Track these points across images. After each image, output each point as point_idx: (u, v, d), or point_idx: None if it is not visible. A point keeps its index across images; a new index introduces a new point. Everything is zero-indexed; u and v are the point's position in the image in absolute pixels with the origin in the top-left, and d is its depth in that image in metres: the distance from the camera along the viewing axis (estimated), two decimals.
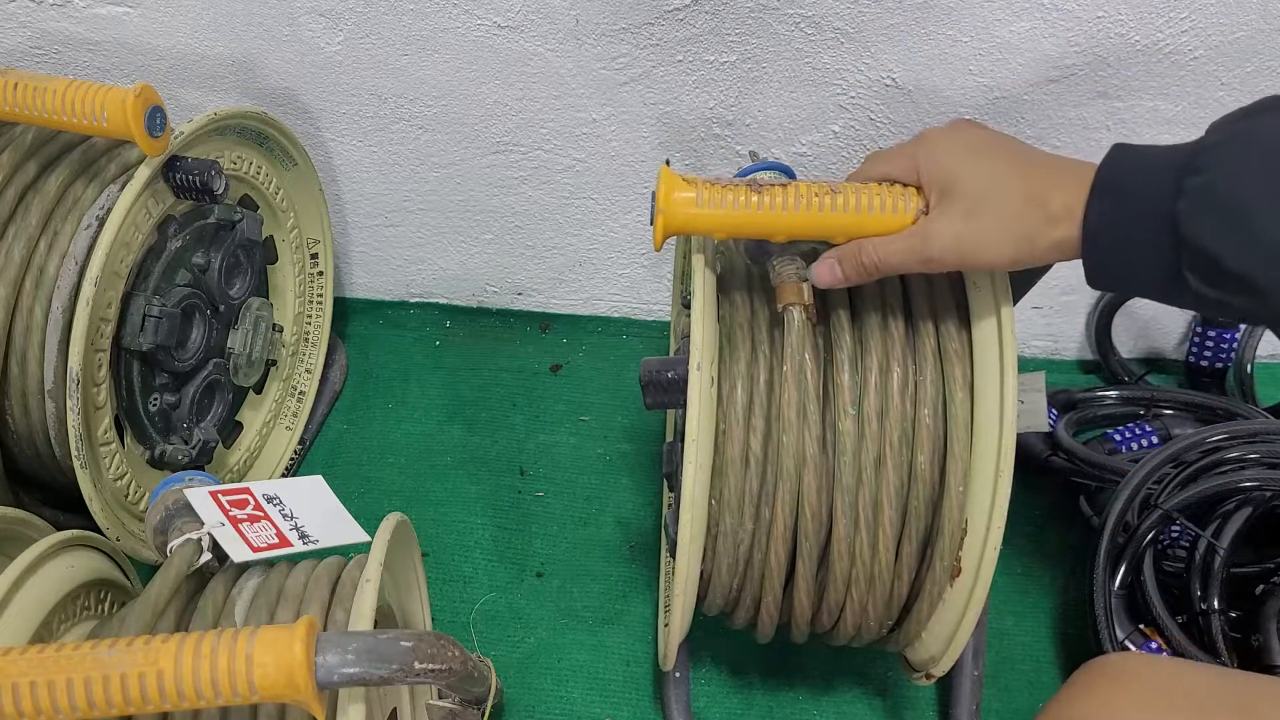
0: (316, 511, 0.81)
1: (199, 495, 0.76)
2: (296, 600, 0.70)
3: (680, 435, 0.93)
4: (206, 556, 0.74)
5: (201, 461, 1.04)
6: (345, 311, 1.35)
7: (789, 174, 0.89)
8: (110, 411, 0.91)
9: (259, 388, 1.17)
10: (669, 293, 1.34)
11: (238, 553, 0.73)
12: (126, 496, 0.95)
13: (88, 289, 0.84)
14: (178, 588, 0.70)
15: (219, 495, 0.77)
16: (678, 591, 0.82)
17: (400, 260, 1.34)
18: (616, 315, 1.37)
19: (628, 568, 1.15)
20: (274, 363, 1.16)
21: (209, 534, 0.74)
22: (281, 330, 1.16)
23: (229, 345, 1.06)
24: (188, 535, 0.74)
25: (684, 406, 0.81)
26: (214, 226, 1.00)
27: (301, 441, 1.21)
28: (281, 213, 1.13)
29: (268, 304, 1.12)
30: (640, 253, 1.29)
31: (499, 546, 1.16)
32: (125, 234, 0.88)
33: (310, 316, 1.22)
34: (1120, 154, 0.66)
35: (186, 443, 1.02)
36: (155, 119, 0.86)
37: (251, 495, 0.79)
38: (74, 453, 0.86)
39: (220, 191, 0.92)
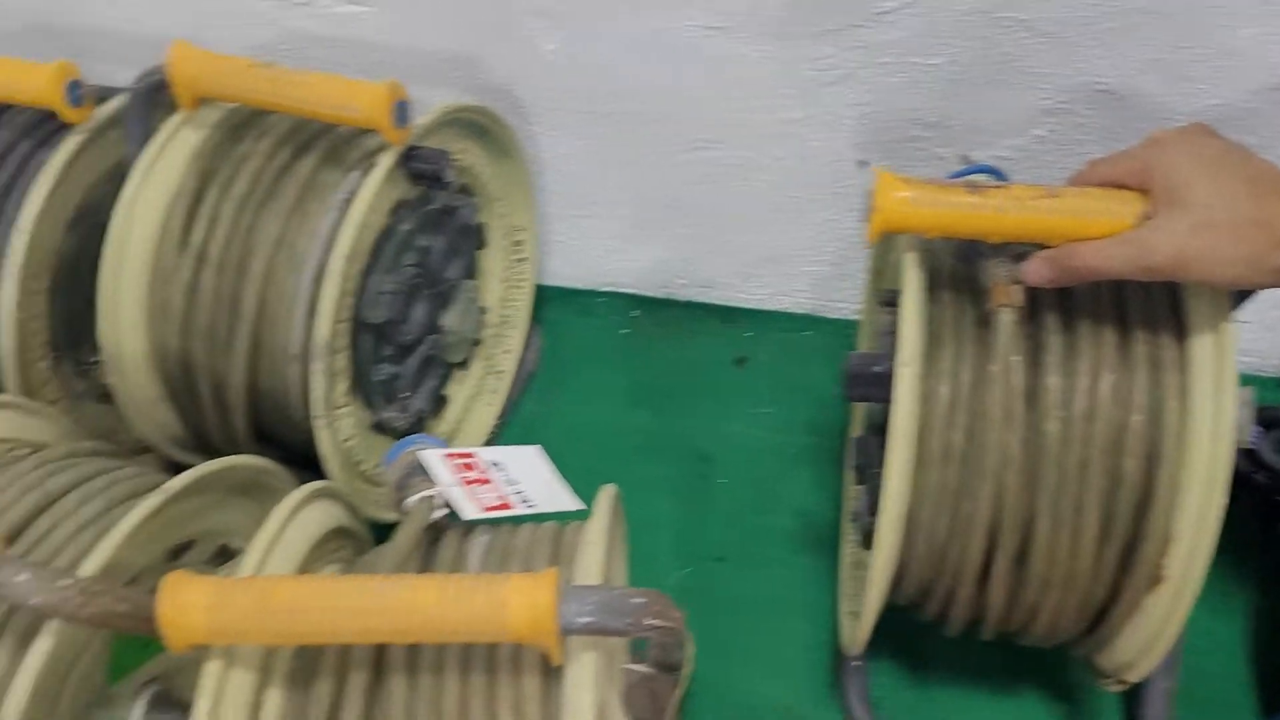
0: (534, 479, 0.86)
1: (433, 458, 0.83)
2: (524, 557, 0.76)
3: (876, 429, 0.95)
4: (440, 513, 0.80)
5: (415, 430, 1.11)
6: (539, 298, 1.42)
7: (1001, 178, 0.91)
8: (347, 378, 0.99)
9: (464, 365, 1.24)
10: (855, 290, 1.35)
11: (467, 511, 0.79)
12: (353, 457, 1.03)
13: (338, 264, 0.92)
14: (418, 539, 0.77)
15: (450, 458, 0.83)
16: (875, 578, 0.85)
17: (595, 251, 1.40)
18: (801, 312, 1.40)
19: (806, 557, 1.17)
20: (479, 342, 1.23)
21: (442, 493, 0.81)
22: (486, 311, 1.23)
23: (442, 323, 1.13)
24: (424, 493, 0.80)
25: (887, 401, 0.83)
26: (437, 212, 1.07)
27: (499, 418, 1.28)
28: (494, 201, 1.20)
29: (477, 286, 1.19)
30: (829, 251, 1.32)
31: (681, 530, 1.20)
32: (368, 216, 0.95)
33: (511, 300, 1.29)
34: None
35: (404, 412, 1.10)
36: (401, 111, 0.93)
37: (478, 459, 0.85)
38: (315, 411, 0.95)
39: (450, 179, 0.99)
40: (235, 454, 0.89)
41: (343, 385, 0.99)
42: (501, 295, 1.27)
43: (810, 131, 1.20)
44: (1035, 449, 0.82)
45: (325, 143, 1.03)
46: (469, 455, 0.85)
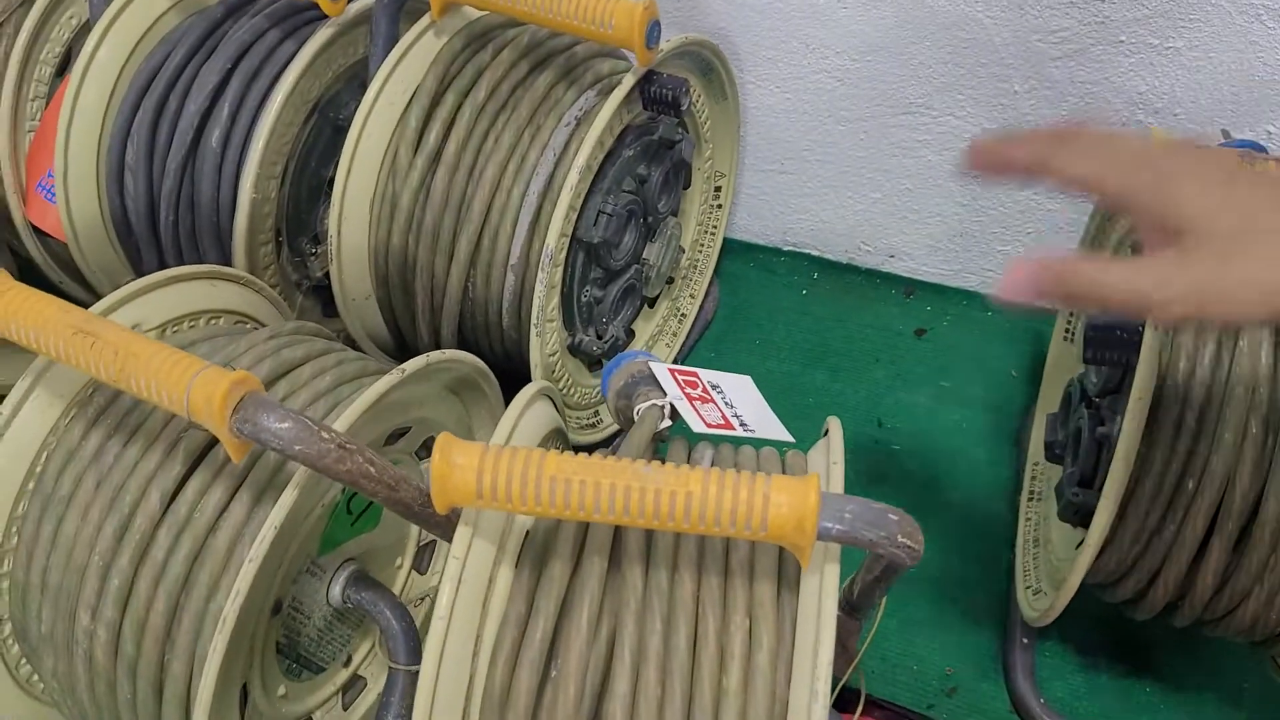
0: (749, 406, 0.87)
1: (661, 370, 0.84)
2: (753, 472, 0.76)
3: (1094, 397, 0.94)
4: (666, 423, 0.81)
5: (608, 357, 1.13)
6: (722, 249, 1.42)
7: (1262, 150, 0.88)
8: (558, 293, 1.01)
9: (652, 303, 1.25)
10: None
11: (695, 423, 0.80)
12: (553, 373, 1.05)
13: (575, 176, 0.93)
14: (649, 443, 0.78)
15: (675, 373, 0.84)
16: (1088, 549, 0.83)
17: (784, 207, 1.40)
18: (984, 291, 1.38)
19: (976, 531, 1.16)
20: (672, 280, 1.24)
21: (670, 404, 0.81)
22: (683, 252, 1.24)
23: (646, 255, 1.14)
24: (654, 401, 0.81)
25: (1123, 365, 0.82)
26: (658, 143, 1.08)
27: (675, 361, 1.29)
28: (703, 143, 1.20)
29: (679, 224, 1.20)
30: (1026, 231, 1.30)
31: (851, 492, 1.19)
32: (603, 135, 0.96)
33: (703, 245, 1.29)
34: None
35: (600, 337, 1.11)
36: (654, 32, 0.94)
37: (699, 379, 0.86)
38: (534, 320, 0.96)
39: (685, 108, 1.00)
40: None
41: (554, 300, 1.00)
42: (695, 239, 1.27)
43: (1030, 105, 1.18)
44: (1271, 430, 0.80)
45: (561, 61, 1.04)
46: (693, 373, 0.85)
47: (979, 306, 1.37)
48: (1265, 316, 0.54)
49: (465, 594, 0.66)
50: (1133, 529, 0.85)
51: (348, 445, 0.71)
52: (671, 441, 0.82)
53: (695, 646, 0.66)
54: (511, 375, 0.99)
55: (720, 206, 1.28)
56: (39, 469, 0.81)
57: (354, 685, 0.98)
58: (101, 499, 0.78)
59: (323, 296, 1.17)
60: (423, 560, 1.02)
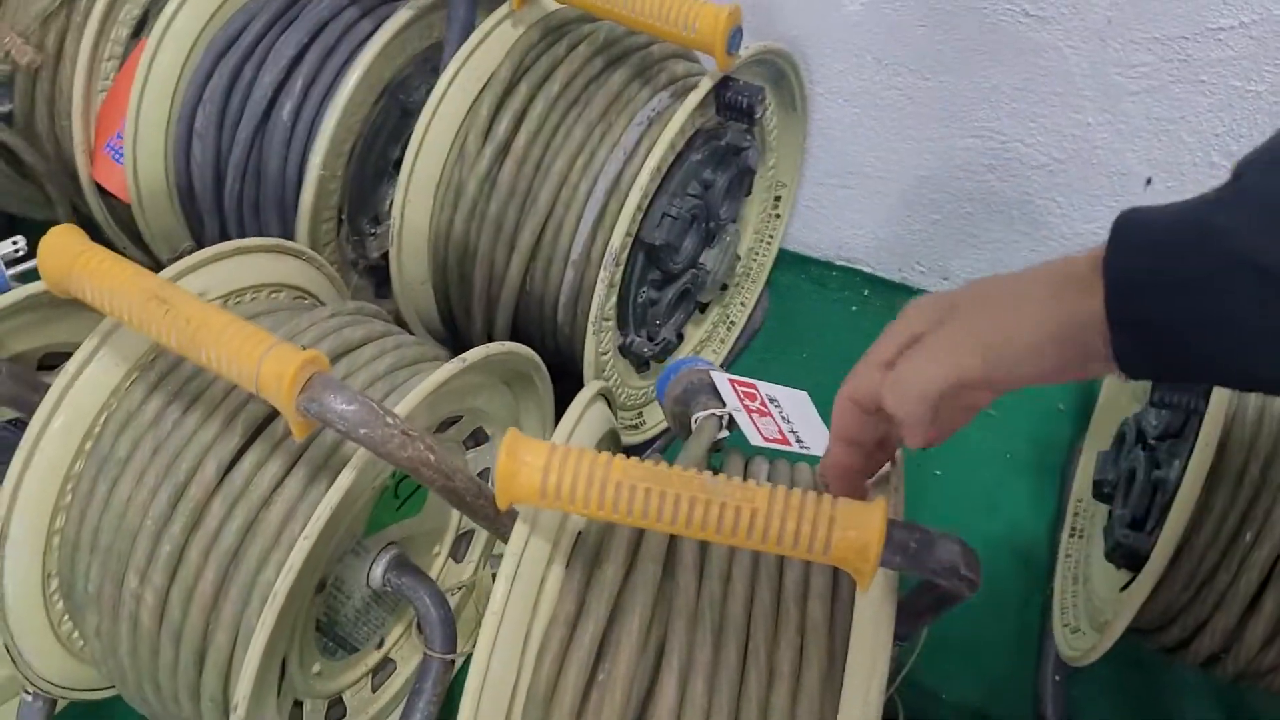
0: (805, 421, 0.86)
1: (722, 380, 0.83)
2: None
3: (1153, 439, 0.93)
4: (724, 434, 0.81)
5: (658, 359, 1.13)
6: (775, 259, 1.42)
7: None
8: (616, 293, 1.01)
9: (703, 309, 1.25)
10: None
11: (753, 437, 0.80)
12: (603, 372, 1.04)
13: (644, 177, 0.93)
14: (707, 453, 0.77)
15: (735, 384, 0.84)
16: (1137, 593, 0.82)
17: (841, 222, 1.39)
18: None
19: (1014, 563, 1.15)
20: (725, 287, 1.23)
21: (729, 415, 0.81)
22: (739, 259, 1.23)
23: (703, 260, 1.13)
24: (713, 411, 0.81)
25: (1186, 411, 0.81)
26: (725, 149, 1.08)
27: (721, 367, 1.29)
28: (768, 152, 1.20)
29: (737, 231, 1.19)
30: None
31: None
32: (676, 136, 0.96)
33: (758, 254, 1.29)
34: (1133, 210, 0.52)
35: (652, 339, 1.11)
36: (735, 38, 0.94)
37: (758, 391, 0.85)
38: (592, 319, 0.96)
39: (759, 116, 0.99)
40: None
41: (612, 299, 1.00)
42: (750, 247, 1.27)
43: (1102, 138, 1.17)
44: None
45: (636, 59, 1.04)
46: (752, 385, 0.85)
47: None
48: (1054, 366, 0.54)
49: (519, 591, 0.66)
50: (1184, 576, 0.85)
51: (410, 432, 0.71)
52: (727, 452, 0.81)
53: (745, 661, 0.66)
54: (559, 371, 0.99)
55: (779, 216, 1.28)
56: (98, 430, 0.81)
57: (384, 668, 0.99)
58: (157, 465, 0.79)
59: (376, 277, 1.17)
60: (460, 549, 1.02)
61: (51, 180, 1.17)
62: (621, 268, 1.00)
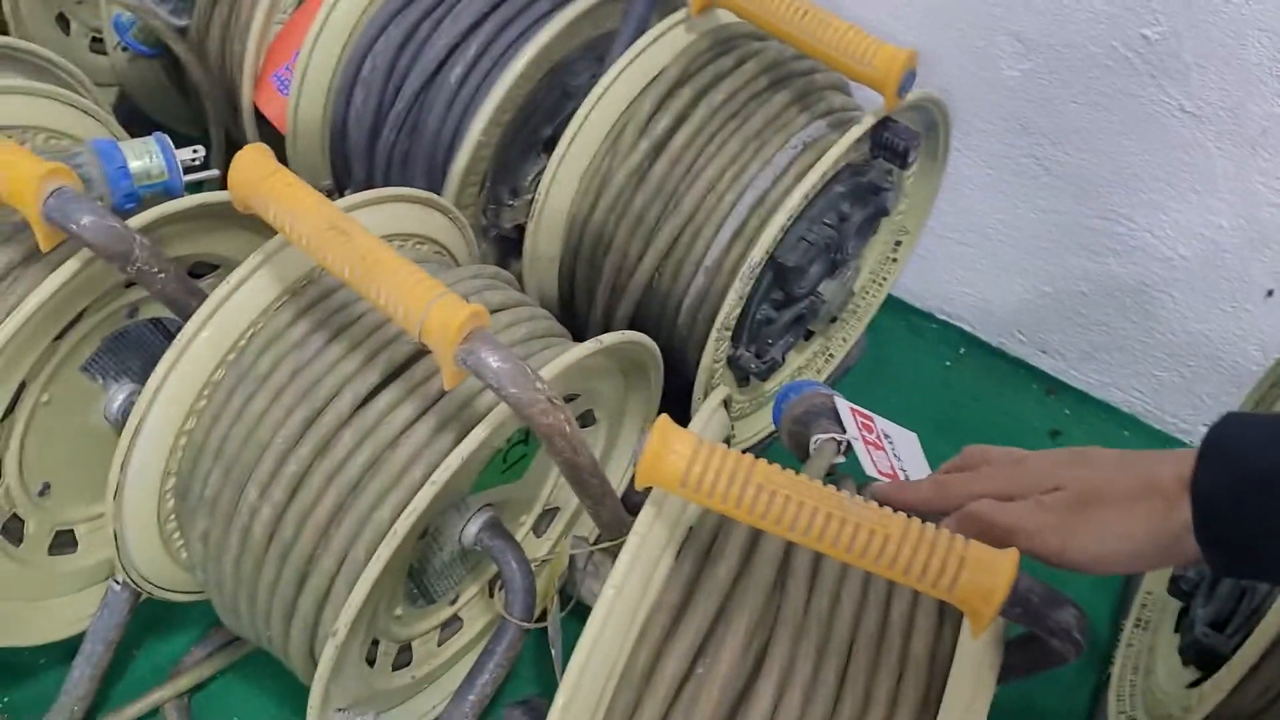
0: (914, 461, 0.88)
1: (844, 408, 0.85)
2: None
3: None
4: (840, 459, 0.83)
5: (759, 372, 1.14)
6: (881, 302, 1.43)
7: None
8: (742, 303, 1.03)
9: (809, 337, 1.26)
10: (1193, 411, 1.32)
11: (868, 467, 0.82)
12: (711, 378, 1.06)
13: (795, 197, 0.96)
14: (824, 474, 0.79)
15: (855, 413, 0.86)
16: (1213, 696, 0.83)
17: (949, 277, 1.40)
18: (1128, 411, 1.37)
19: None
20: (835, 320, 1.25)
21: (849, 442, 0.83)
22: (853, 295, 1.25)
23: (822, 289, 1.15)
24: (833, 435, 0.82)
25: None
26: (865, 186, 1.09)
27: None
28: (903, 196, 1.21)
29: (857, 268, 1.21)
30: (1189, 364, 1.29)
31: None
32: (831, 166, 0.98)
33: (868, 294, 1.30)
34: (1229, 418, 0.61)
35: (759, 357, 1.13)
36: (908, 81, 0.96)
37: (875, 425, 0.87)
38: (717, 325, 0.98)
39: (912, 161, 1.01)
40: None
41: (738, 309, 1.02)
42: (863, 285, 1.29)
43: (1231, 244, 1.17)
44: None
45: (800, 85, 1.06)
46: (870, 418, 0.87)
47: (1117, 423, 1.37)
48: (1128, 560, 0.64)
49: (638, 570, 0.68)
50: (1262, 682, 0.85)
51: (555, 399, 0.73)
52: (842, 477, 0.83)
53: (843, 683, 0.67)
54: (666, 369, 1.01)
55: (895, 260, 1.29)
56: (242, 344, 0.84)
57: (451, 624, 1.01)
58: (295, 387, 0.81)
59: (502, 247, 1.20)
60: (542, 525, 1.05)
61: (211, 100, 1.21)
62: (751, 283, 1.02)
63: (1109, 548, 0.64)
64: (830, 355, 1.31)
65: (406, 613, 0.92)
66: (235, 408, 0.83)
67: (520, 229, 1.13)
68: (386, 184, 1.12)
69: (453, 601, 0.99)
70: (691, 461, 0.64)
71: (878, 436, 0.86)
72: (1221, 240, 1.18)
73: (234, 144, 1.23)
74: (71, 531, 0.97)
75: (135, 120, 1.29)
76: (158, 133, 0.86)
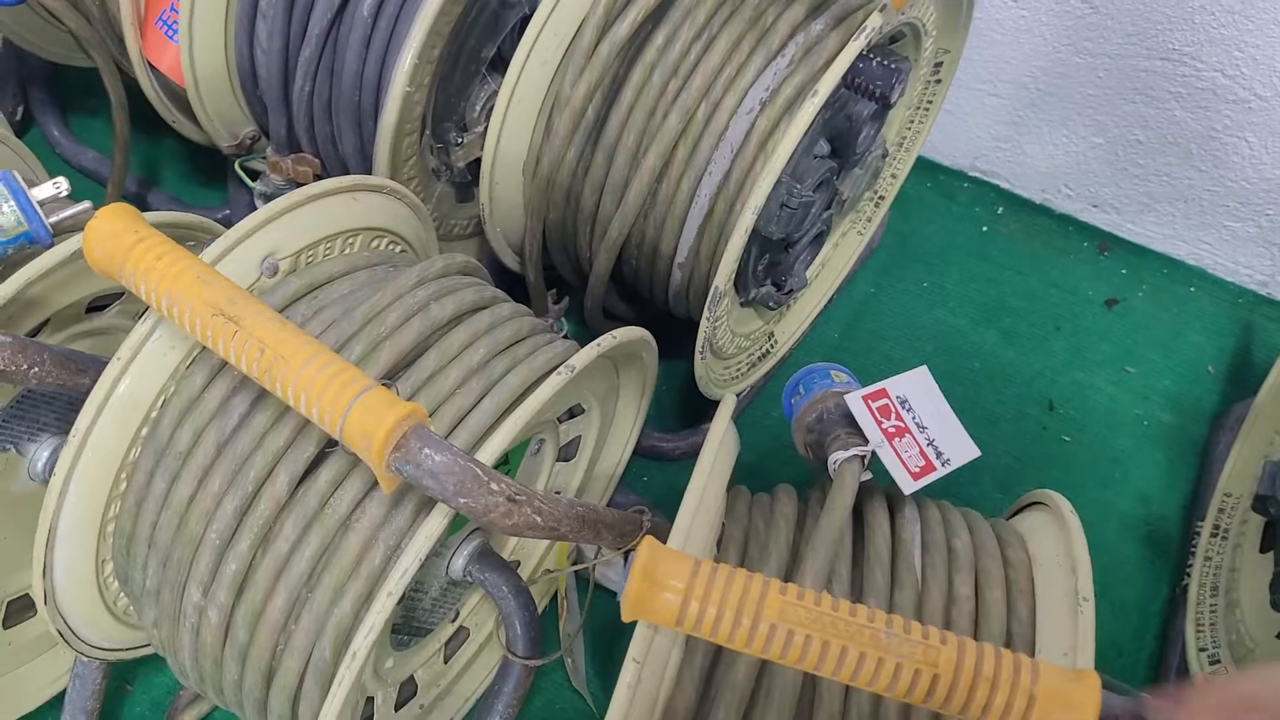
0: (935, 416, 0.75)
1: (859, 407, 0.72)
2: (969, 567, 0.66)
3: None
4: (867, 475, 0.70)
5: (783, 301, 1.00)
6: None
7: None
8: (731, 279, 0.87)
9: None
10: (1275, 260, 1.16)
11: (904, 484, 0.69)
12: (717, 340, 0.92)
13: (766, 183, 0.78)
14: (849, 509, 0.66)
15: (868, 401, 0.72)
16: None
17: (982, 132, 1.22)
18: (1194, 264, 1.21)
19: (1141, 550, 1.05)
20: (881, 196, 1.09)
21: (872, 452, 0.70)
22: (885, 155, 1.06)
23: (840, 189, 0.98)
24: (854, 451, 0.69)
25: None
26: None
27: (833, 296, 1.15)
28: (924, 36, 1.01)
29: (885, 147, 1.03)
30: (1269, 213, 1.12)
31: (1008, 482, 1.08)
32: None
33: (910, 126, 1.10)
34: None
35: (779, 288, 0.98)
36: None
37: (889, 396, 0.74)
38: (712, 297, 0.83)
39: (894, 102, 0.84)
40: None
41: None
42: (904, 121, 1.09)
43: None
44: None
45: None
46: (881, 394, 0.73)
47: (1183, 279, 1.21)
48: None
49: (642, 694, 0.57)
50: None
51: (516, 497, 0.60)
52: (872, 495, 0.71)
53: None
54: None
55: (939, 81, 1.08)
56: (154, 415, 0.71)
57: (456, 636, 0.92)
58: (222, 468, 0.69)
59: (459, 187, 1.04)
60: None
61: (98, 48, 1.02)
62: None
63: None
64: (859, 233, 1.15)
65: (399, 659, 0.84)
66: (159, 493, 0.71)
67: (477, 164, 0.96)
68: (310, 136, 0.96)
69: (454, 618, 0.90)
70: (687, 598, 0.52)
71: (896, 415, 0.72)
72: None
73: (134, 87, 1.05)
74: (25, 597, 0.88)
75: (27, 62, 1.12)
76: (4, 172, 0.70)
